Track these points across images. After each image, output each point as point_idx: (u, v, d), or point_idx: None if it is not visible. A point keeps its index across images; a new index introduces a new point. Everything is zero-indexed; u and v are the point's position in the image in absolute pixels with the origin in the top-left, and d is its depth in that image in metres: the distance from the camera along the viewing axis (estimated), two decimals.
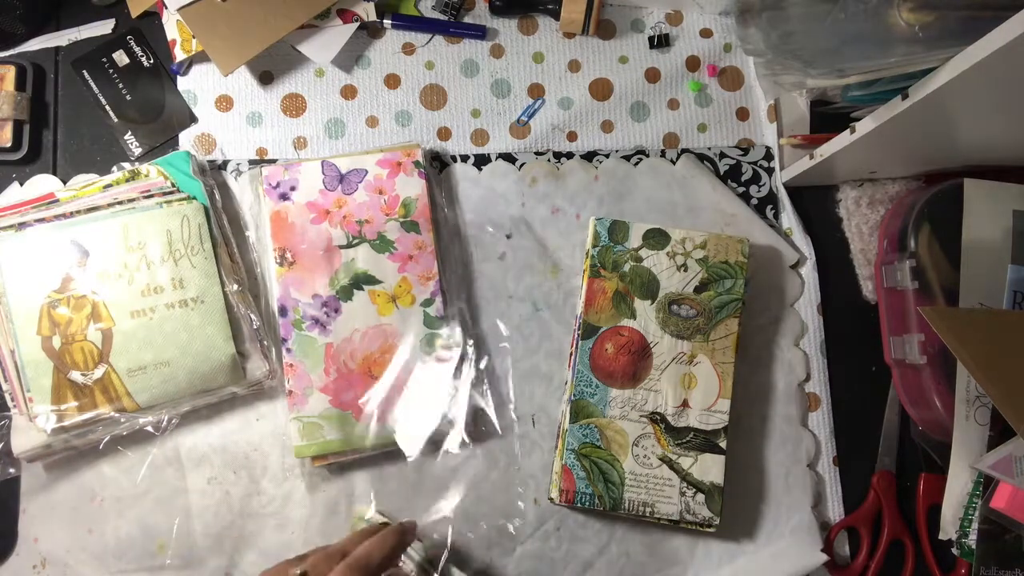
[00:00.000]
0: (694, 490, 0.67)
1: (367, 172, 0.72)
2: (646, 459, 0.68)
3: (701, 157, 0.78)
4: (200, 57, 0.76)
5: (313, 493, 0.69)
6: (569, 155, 0.77)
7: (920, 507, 0.72)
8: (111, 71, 0.76)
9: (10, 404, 0.65)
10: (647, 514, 0.67)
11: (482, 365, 0.72)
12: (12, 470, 0.67)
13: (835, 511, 0.73)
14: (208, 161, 0.75)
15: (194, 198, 0.69)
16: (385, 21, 0.78)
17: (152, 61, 0.76)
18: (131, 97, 0.76)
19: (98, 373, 0.65)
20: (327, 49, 0.76)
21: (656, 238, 0.71)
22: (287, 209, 0.71)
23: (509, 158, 0.77)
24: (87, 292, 0.66)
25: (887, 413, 0.75)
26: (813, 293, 0.76)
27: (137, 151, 0.75)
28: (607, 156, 0.77)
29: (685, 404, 0.68)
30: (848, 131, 0.66)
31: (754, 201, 0.78)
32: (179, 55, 0.75)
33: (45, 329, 0.65)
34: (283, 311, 0.69)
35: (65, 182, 0.74)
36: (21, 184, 0.74)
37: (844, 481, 0.74)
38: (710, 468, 0.68)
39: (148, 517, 0.68)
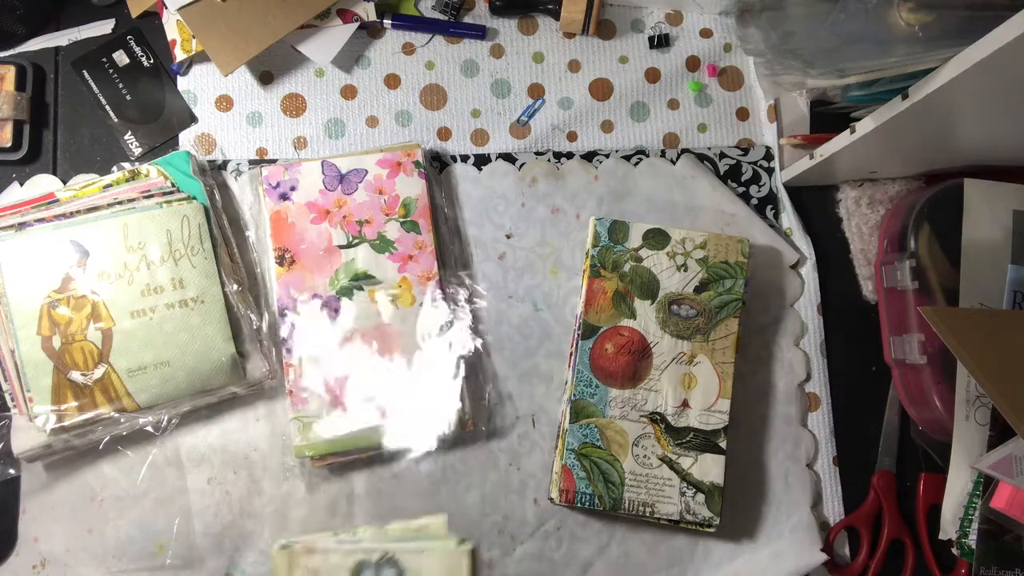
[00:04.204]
0: (694, 490, 0.67)
1: (367, 172, 0.72)
2: (646, 459, 0.68)
3: (701, 157, 0.78)
4: (200, 57, 0.76)
5: (313, 493, 0.69)
6: (569, 155, 0.77)
7: (920, 507, 0.72)
8: (111, 71, 0.76)
9: (10, 404, 0.65)
10: (647, 514, 0.67)
11: (482, 364, 0.73)
12: (12, 470, 0.67)
13: (835, 511, 0.73)
14: (208, 161, 0.75)
15: (194, 198, 0.69)
16: (385, 21, 0.78)
17: (152, 61, 0.76)
18: (131, 97, 0.76)
19: (98, 373, 0.65)
20: (327, 49, 0.76)
21: (656, 238, 0.71)
22: (287, 209, 0.71)
23: (509, 158, 0.77)
24: (87, 292, 0.66)
25: (887, 413, 0.75)
26: (813, 293, 0.76)
27: (137, 151, 0.75)
28: (607, 156, 0.77)
29: (685, 404, 0.68)
30: (848, 131, 0.66)
31: (754, 201, 0.78)
32: (179, 55, 0.75)
33: (45, 329, 0.65)
34: (283, 311, 0.69)
35: (65, 182, 0.74)
36: (21, 184, 0.74)
37: (844, 481, 0.74)
38: (710, 468, 0.68)
39: (148, 517, 0.68)
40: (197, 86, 0.77)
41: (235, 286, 0.69)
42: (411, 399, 0.69)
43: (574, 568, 0.70)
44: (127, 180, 0.70)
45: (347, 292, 0.70)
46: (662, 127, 0.79)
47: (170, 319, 0.66)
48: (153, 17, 0.77)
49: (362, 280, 0.70)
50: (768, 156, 0.79)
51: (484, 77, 0.79)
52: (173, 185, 0.70)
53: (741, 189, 0.78)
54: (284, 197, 0.71)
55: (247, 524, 0.69)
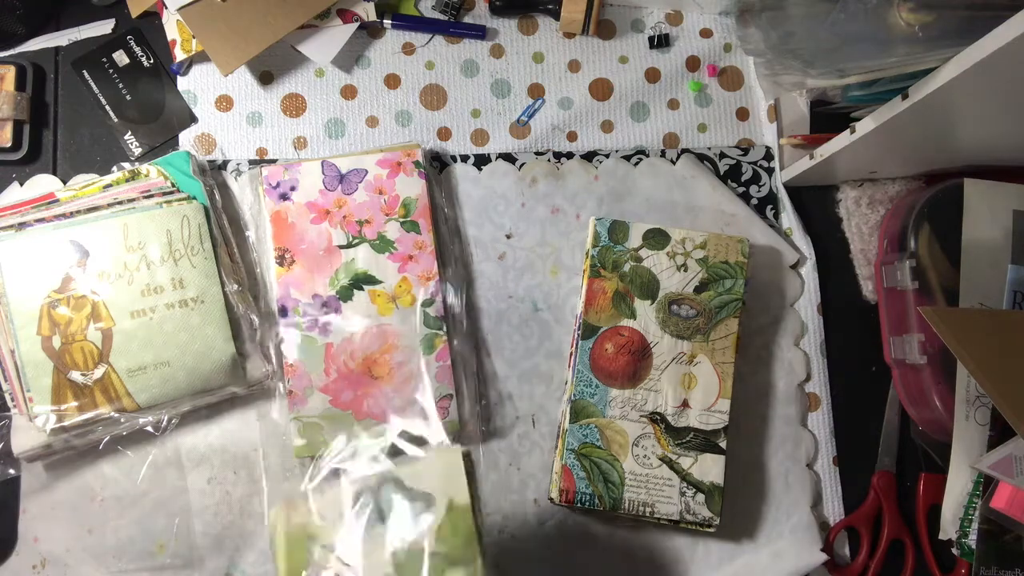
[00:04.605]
0: (694, 490, 0.67)
1: (367, 172, 0.72)
2: (646, 459, 0.68)
3: (701, 157, 0.78)
4: (200, 57, 0.76)
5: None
6: (569, 155, 0.77)
7: (920, 507, 0.72)
8: (111, 71, 0.76)
9: (10, 404, 0.65)
10: (647, 514, 0.67)
11: (482, 364, 0.73)
12: (12, 470, 0.67)
13: (835, 511, 0.73)
14: (208, 161, 0.75)
15: (194, 198, 0.69)
16: (385, 21, 0.78)
17: (152, 61, 0.76)
18: (131, 97, 0.76)
19: (98, 373, 0.65)
20: (327, 49, 0.76)
21: (656, 238, 0.71)
22: (287, 209, 0.71)
23: (509, 158, 0.77)
24: (87, 292, 0.66)
25: (887, 413, 0.75)
26: (813, 293, 0.76)
27: (137, 151, 0.75)
28: (607, 156, 0.77)
29: (685, 404, 0.68)
30: (848, 131, 0.66)
31: (754, 201, 0.78)
32: (179, 55, 0.75)
33: (45, 329, 0.65)
34: (283, 311, 0.69)
35: (65, 182, 0.74)
36: (21, 184, 0.74)
37: (844, 481, 0.74)
38: (710, 468, 0.68)
39: (148, 517, 0.68)
40: (197, 86, 0.77)
41: (235, 286, 0.69)
42: (410, 399, 0.69)
43: (574, 568, 0.70)
44: (127, 180, 0.70)
45: (347, 292, 0.70)
46: (662, 127, 0.79)
47: (170, 319, 0.66)
48: (153, 17, 0.77)
49: (362, 280, 0.70)
50: (768, 156, 0.79)
51: (484, 77, 0.79)
52: (173, 185, 0.70)
53: (741, 189, 0.78)
54: (284, 197, 0.71)
55: (247, 524, 0.69)
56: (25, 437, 0.65)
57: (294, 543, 0.66)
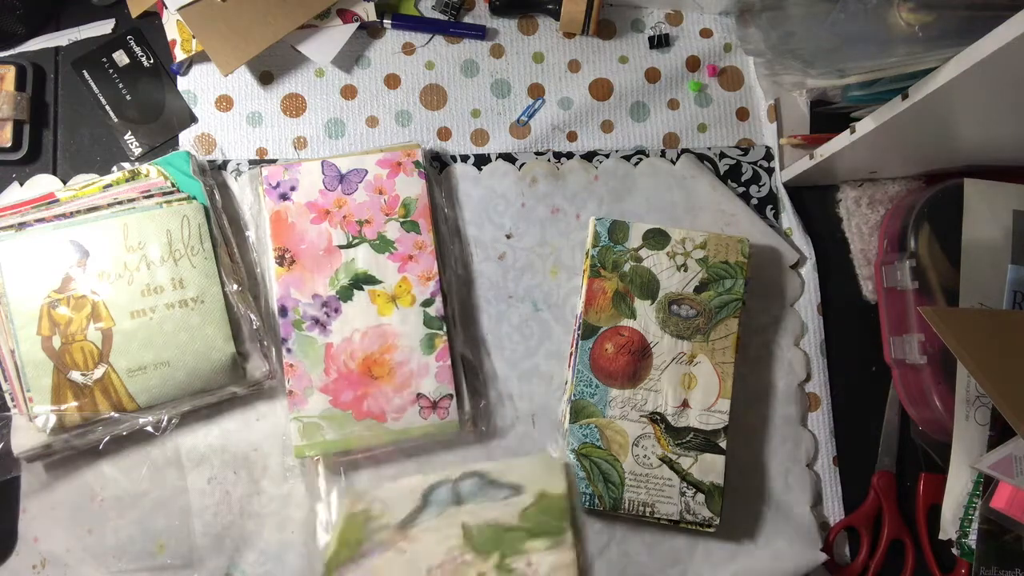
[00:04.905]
0: (694, 490, 0.67)
1: (367, 172, 0.72)
2: (646, 459, 0.68)
3: (701, 157, 0.78)
4: (200, 57, 0.76)
5: (313, 493, 0.69)
6: (569, 155, 0.77)
7: (920, 507, 0.72)
8: (111, 71, 0.76)
9: (10, 404, 0.65)
10: (647, 514, 0.67)
11: (482, 364, 0.73)
12: (12, 470, 0.67)
13: (835, 511, 0.73)
14: (208, 161, 0.75)
15: (194, 198, 0.69)
16: (385, 21, 0.78)
17: (152, 61, 0.76)
18: (131, 97, 0.76)
19: (98, 373, 0.65)
20: (327, 49, 0.76)
21: (656, 238, 0.71)
22: (287, 209, 0.71)
23: (509, 158, 0.77)
24: (87, 292, 0.66)
25: (887, 413, 0.75)
26: (813, 293, 0.76)
27: (137, 151, 0.75)
28: (607, 156, 0.77)
29: (685, 404, 0.68)
30: (848, 131, 0.66)
31: (754, 201, 0.78)
32: (179, 55, 0.75)
33: (45, 329, 0.65)
34: (283, 311, 0.69)
35: (65, 182, 0.74)
36: (21, 184, 0.74)
37: (844, 481, 0.74)
38: (710, 468, 0.68)
39: (148, 517, 0.68)
40: (197, 86, 0.77)
41: (235, 286, 0.69)
42: (410, 399, 0.69)
43: None
44: (127, 180, 0.70)
45: (347, 292, 0.70)
46: (662, 127, 0.79)
47: (170, 319, 0.66)
48: (153, 17, 0.77)
49: (362, 280, 0.70)
50: (768, 156, 0.79)
51: (484, 77, 0.79)
52: (173, 185, 0.70)
53: (741, 189, 0.78)
54: (284, 197, 0.71)
55: (247, 524, 0.69)
56: (25, 437, 0.65)
57: (351, 523, 0.66)
